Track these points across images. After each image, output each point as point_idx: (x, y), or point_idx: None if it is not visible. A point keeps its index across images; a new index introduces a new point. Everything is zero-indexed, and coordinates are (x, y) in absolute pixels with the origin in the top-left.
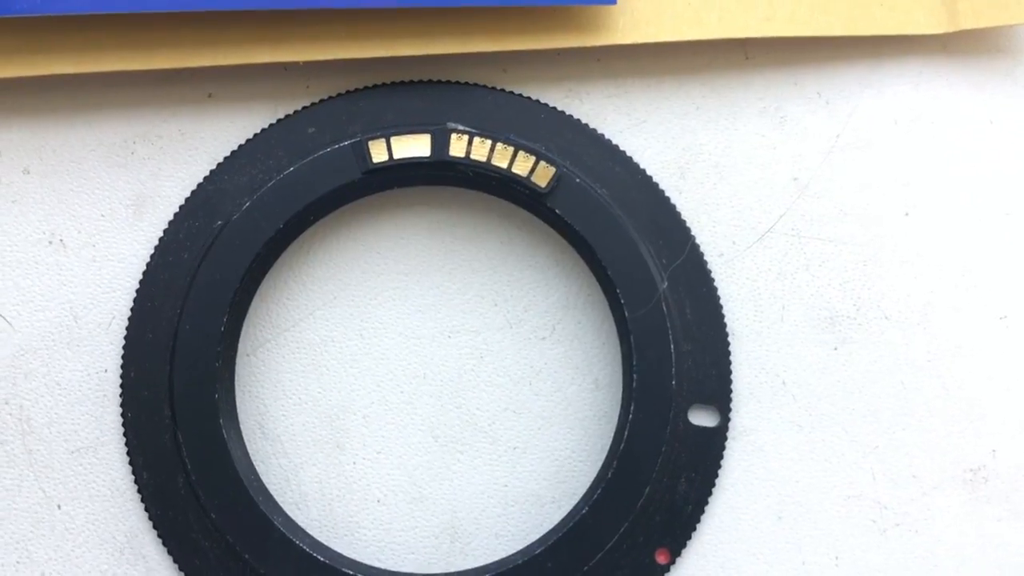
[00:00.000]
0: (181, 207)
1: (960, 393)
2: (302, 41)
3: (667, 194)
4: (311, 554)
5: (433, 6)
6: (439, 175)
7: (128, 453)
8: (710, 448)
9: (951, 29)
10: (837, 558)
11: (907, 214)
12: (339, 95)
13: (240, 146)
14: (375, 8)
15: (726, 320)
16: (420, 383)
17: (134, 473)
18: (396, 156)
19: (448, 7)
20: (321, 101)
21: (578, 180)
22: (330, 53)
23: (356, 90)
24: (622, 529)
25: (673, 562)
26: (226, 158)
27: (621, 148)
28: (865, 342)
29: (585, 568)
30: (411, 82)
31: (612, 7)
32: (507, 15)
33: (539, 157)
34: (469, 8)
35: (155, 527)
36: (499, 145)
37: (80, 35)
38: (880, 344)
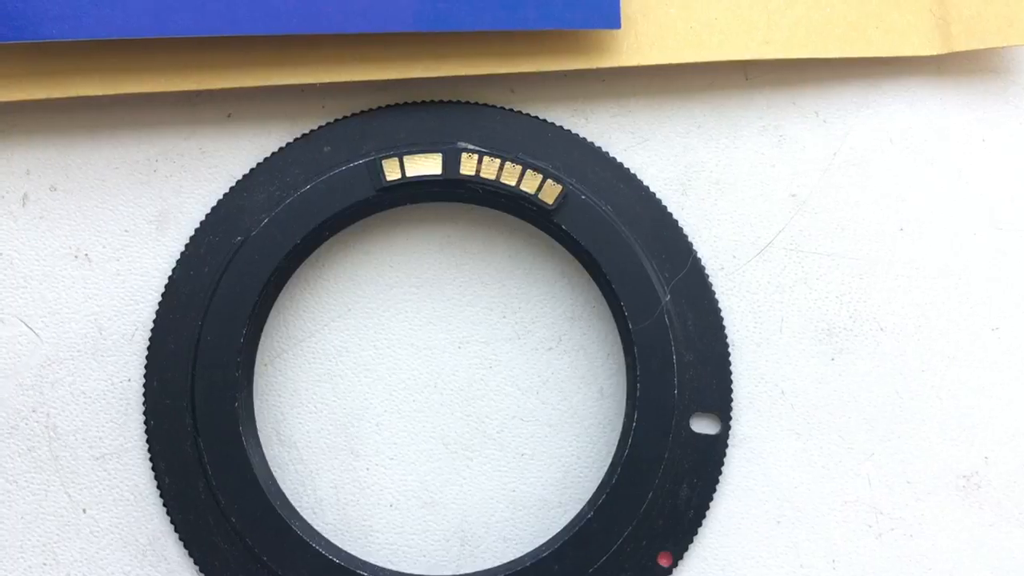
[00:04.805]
0: (202, 223)
1: (953, 402)
2: (318, 64)
3: (669, 210)
4: (326, 556)
5: (444, 31)
6: (450, 192)
7: (151, 459)
8: (711, 455)
9: (945, 51)
10: (834, 561)
11: (902, 229)
12: (354, 115)
13: (258, 164)
14: (388, 32)
15: (727, 331)
16: (431, 392)
17: (156, 478)
18: (408, 174)
19: (459, 31)
20: (336, 121)
21: (584, 197)
22: (345, 75)
23: (370, 110)
24: (626, 533)
25: (675, 565)
26: (245, 176)
27: (625, 166)
28: (861, 353)
29: (590, 571)
30: (423, 102)
31: (617, 31)
32: (515, 38)
33: (546, 175)
34: (479, 32)
35: (177, 530)
36: (508, 163)
37: (105, 59)
38: (876, 355)
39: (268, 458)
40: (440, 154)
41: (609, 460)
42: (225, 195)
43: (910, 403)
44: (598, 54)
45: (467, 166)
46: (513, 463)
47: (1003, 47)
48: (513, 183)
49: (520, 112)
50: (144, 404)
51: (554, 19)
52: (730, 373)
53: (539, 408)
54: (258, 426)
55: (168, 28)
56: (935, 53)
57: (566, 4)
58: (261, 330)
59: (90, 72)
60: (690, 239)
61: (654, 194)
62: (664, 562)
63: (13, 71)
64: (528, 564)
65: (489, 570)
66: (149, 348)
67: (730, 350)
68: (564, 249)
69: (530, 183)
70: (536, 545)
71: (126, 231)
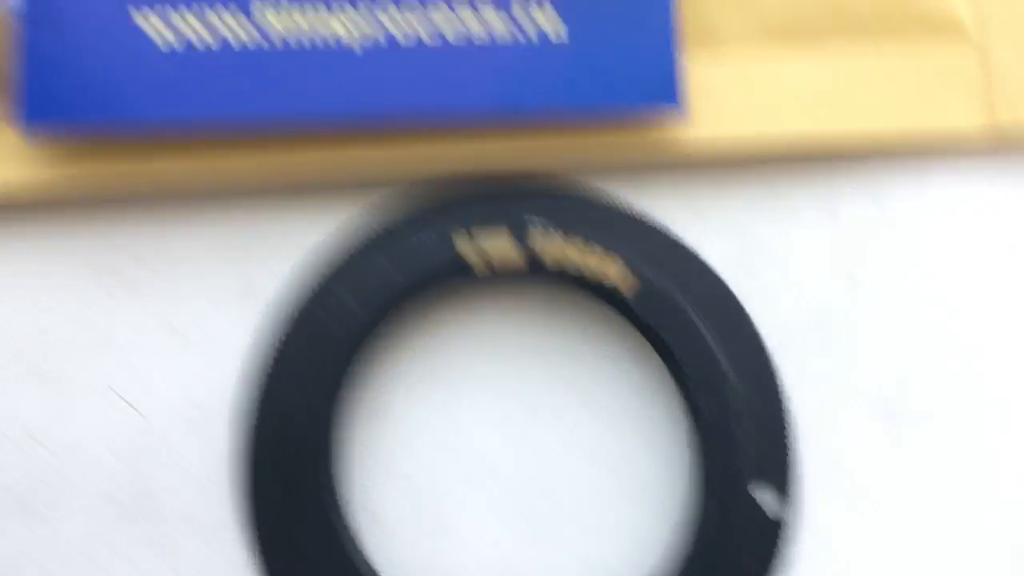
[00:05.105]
0: (285, 297)
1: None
2: (397, 154)
3: (730, 286)
4: None
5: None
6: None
7: (246, 535)
8: (775, 530)
9: (992, 126)
10: None
11: (959, 308)
12: (431, 192)
13: (336, 238)
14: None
15: (788, 408)
16: (507, 465)
17: (252, 554)
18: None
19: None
20: (414, 196)
21: (654, 282)
22: (425, 170)
23: (445, 184)
24: None
25: None
26: (324, 249)
27: (686, 243)
28: (923, 433)
29: None
30: (498, 181)
31: (680, 116)
32: (587, 130)
33: (620, 258)
34: (549, 123)
35: None
36: (580, 243)
37: (192, 142)
38: (936, 435)
39: (355, 532)
40: (512, 232)
41: (679, 532)
42: (305, 269)
43: (973, 483)
44: (663, 141)
45: (540, 245)
46: (587, 534)
47: None
48: (586, 264)
49: (587, 195)
50: (237, 479)
51: (620, 109)
52: (793, 449)
53: (610, 480)
54: (346, 501)
55: (257, 118)
56: (982, 125)
57: (631, 93)
58: (343, 404)
59: (180, 153)
60: (751, 315)
61: (713, 270)
62: None
63: (104, 149)
64: None
65: None
66: (239, 423)
67: (792, 426)
68: (632, 326)
69: (602, 265)
70: None
71: (213, 305)
